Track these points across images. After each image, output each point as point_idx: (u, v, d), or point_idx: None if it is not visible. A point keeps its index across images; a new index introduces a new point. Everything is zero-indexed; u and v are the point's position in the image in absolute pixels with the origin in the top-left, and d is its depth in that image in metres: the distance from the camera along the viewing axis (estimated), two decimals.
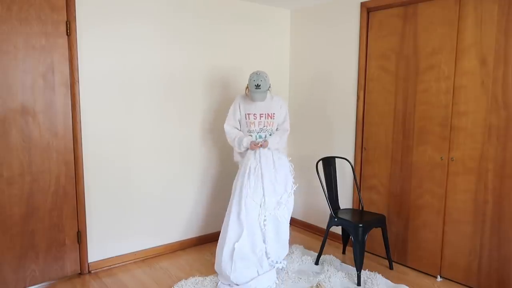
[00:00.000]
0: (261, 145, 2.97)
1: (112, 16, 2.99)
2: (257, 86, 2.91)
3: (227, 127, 3.11)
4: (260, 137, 3.05)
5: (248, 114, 3.04)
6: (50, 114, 2.78)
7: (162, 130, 3.37)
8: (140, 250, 3.35)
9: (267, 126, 3.06)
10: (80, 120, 2.90)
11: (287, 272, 3.09)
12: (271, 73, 3.69)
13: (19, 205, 2.71)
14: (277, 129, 3.14)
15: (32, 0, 2.63)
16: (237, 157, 3.15)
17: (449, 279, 3.03)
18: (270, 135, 3.08)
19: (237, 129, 3.11)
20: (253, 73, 2.99)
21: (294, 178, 3.10)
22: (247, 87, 3.03)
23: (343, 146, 3.69)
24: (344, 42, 3.62)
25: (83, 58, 2.88)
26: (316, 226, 4.04)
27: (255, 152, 2.97)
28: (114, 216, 3.17)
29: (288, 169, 3.07)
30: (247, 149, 3.02)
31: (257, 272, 2.88)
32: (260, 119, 3.04)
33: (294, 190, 3.06)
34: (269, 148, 3.00)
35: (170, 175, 3.46)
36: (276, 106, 3.09)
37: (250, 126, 3.04)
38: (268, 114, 3.06)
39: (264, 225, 2.91)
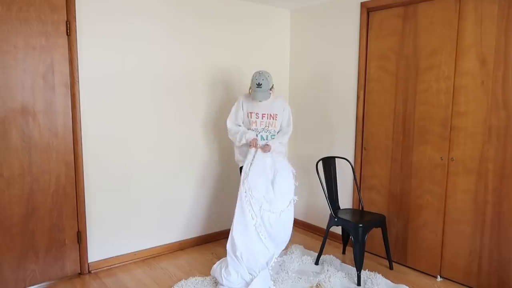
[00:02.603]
0: (260, 147, 2.95)
1: (112, 16, 2.99)
2: (259, 85, 2.92)
3: (229, 124, 3.11)
4: (262, 137, 3.05)
5: (251, 113, 3.04)
6: (50, 114, 2.78)
7: (162, 130, 3.36)
8: (140, 250, 3.35)
9: (269, 127, 3.05)
10: (80, 120, 2.90)
11: (287, 272, 3.08)
12: (271, 73, 3.68)
13: (19, 205, 2.71)
14: (279, 130, 3.13)
15: (32, 0, 2.63)
16: (238, 157, 3.15)
17: (449, 279, 3.04)
18: (272, 136, 3.07)
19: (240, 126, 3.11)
20: (256, 72, 3.00)
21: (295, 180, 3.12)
22: (250, 86, 3.03)
23: (343, 146, 3.69)
24: (344, 42, 3.62)
25: (83, 58, 2.88)
26: (316, 226, 4.04)
27: (251, 153, 2.97)
28: (114, 216, 3.17)
29: (291, 177, 3.07)
30: (246, 143, 3.00)
31: (250, 278, 2.84)
32: (262, 119, 3.04)
33: (294, 201, 3.07)
34: (271, 152, 2.99)
35: (170, 175, 3.46)
36: (279, 107, 3.09)
37: (252, 125, 3.04)
38: (270, 115, 3.05)
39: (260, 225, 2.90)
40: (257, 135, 3.03)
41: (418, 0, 3.02)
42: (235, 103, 3.13)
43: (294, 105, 4.15)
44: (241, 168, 3.09)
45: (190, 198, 3.62)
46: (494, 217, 2.75)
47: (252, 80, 2.97)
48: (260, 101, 3.00)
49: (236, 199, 2.95)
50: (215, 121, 3.65)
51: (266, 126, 3.05)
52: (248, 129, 3.06)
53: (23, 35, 2.63)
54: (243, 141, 3.02)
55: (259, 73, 2.96)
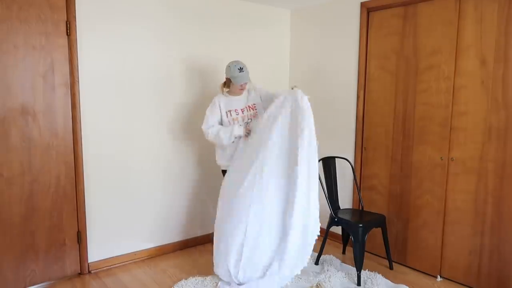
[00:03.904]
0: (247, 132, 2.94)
1: (112, 16, 2.99)
2: (241, 69, 2.90)
3: (205, 127, 2.97)
4: None
5: (229, 110, 3.00)
6: (50, 114, 2.78)
7: (162, 130, 3.36)
8: (140, 250, 3.35)
9: (251, 118, 3.05)
10: (80, 120, 2.90)
11: None
12: (270, 72, 3.70)
13: (19, 205, 2.71)
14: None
15: (32, 0, 2.63)
16: (220, 161, 3.10)
17: (449, 279, 3.04)
18: None
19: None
20: (230, 62, 2.95)
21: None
22: (223, 85, 3.03)
23: (343, 146, 3.69)
24: (344, 42, 3.62)
25: (83, 58, 2.88)
26: None
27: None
28: (114, 216, 3.17)
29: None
30: (239, 137, 2.94)
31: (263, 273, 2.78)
32: (243, 113, 3.03)
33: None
34: None
35: (171, 175, 3.46)
36: (254, 96, 3.08)
37: (234, 122, 3.00)
38: (249, 106, 3.06)
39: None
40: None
41: (418, 0, 3.03)
42: (210, 106, 3.01)
43: None
44: (223, 171, 3.10)
45: (191, 198, 3.62)
46: (494, 217, 2.75)
47: (231, 69, 2.90)
48: (242, 84, 2.93)
49: (236, 199, 2.93)
50: None
51: (249, 119, 3.03)
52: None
53: (23, 34, 2.62)
54: (233, 138, 2.92)
55: (236, 61, 2.94)
